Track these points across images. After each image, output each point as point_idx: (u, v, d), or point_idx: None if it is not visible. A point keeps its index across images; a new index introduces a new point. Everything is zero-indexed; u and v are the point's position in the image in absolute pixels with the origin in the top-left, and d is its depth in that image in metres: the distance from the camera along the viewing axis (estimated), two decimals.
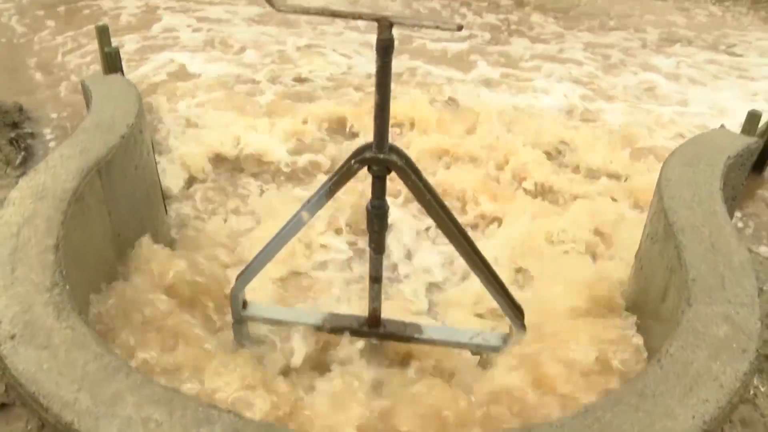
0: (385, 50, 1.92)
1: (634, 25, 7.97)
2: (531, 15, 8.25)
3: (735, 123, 3.51)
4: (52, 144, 4.44)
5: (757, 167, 4.35)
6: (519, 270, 3.46)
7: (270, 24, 6.88)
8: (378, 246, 2.41)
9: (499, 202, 3.94)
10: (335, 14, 1.97)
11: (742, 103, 5.33)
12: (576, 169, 4.30)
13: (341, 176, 2.21)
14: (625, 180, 4.13)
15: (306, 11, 1.92)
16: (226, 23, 6.97)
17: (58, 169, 2.44)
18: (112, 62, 3.60)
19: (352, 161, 2.16)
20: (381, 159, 2.11)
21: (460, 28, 1.82)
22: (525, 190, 4.11)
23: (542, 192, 4.06)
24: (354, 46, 6.43)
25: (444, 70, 5.91)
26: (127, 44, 6.14)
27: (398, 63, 5.69)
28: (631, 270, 2.92)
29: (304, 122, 4.70)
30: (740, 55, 6.82)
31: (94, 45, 6.09)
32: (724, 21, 8.65)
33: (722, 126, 3.32)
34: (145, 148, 2.94)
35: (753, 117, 3.65)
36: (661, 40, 7.34)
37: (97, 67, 5.70)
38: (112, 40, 3.77)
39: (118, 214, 2.67)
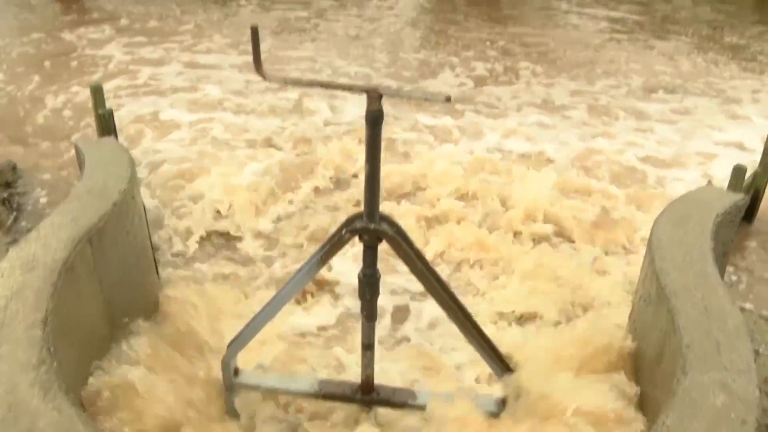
0: (374, 121, 1.94)
1: (622, 72, 8.18)
2: (519, 62, 8.46)
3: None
4: (43, 200, 4.44)
5: (746, 218, 4.39)
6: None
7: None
8: (370, 314, 2.40)
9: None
10: (325, 86, 2.01)
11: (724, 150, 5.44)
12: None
13: (333, 246, 2.21)
14: None
15: (296, 83, 1.95)
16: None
17: (49, 238, 2.44)
18: (105, 124, 3.65)
19: (344, 231, 2.16)
20: (372, 229, 2.12)
21: (448, 99, 1.85)
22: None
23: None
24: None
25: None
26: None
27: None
28: (625, 330, 2.91)
29: None
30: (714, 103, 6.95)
31: (84, 95, 6.25)
32: (708, 70, 8.87)
33: (709, 183, 3.37)
34: (136, 212, 2.94)
35: (738, 171, 3.70)
36: (645, 88, 7.50)
37: (84, 112, 5.81)
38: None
39: (109, 281, 2.65)
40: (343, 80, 7.36)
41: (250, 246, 4.11)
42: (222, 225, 4.22)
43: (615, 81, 7.91)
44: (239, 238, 4.17)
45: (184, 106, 6.25)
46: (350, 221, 2.18)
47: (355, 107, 6.14)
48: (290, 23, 10.72)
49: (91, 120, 5.63)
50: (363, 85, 1.87)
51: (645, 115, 6.56)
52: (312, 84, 1.97)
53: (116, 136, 3.56)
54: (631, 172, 4.95)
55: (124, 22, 10.35)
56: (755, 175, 4.19)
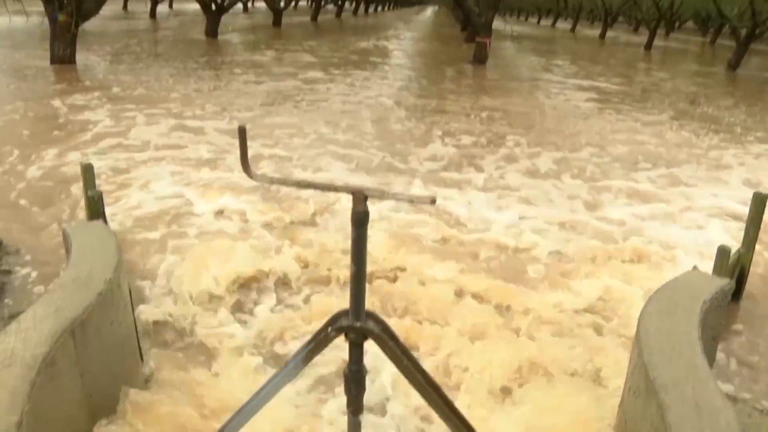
0: (360, 222, 1.95)
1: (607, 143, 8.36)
2: (506, 135, 8.64)
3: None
4: (32, 274, 4.38)
5: (733, 297, 4.41)
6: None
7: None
8: (356, 408, 2.34)
9: None
10: (311, 186, 2.03)
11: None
12: None
13: (317, 344, 2.18)
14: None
15: (282, 183, 1.98)
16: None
17: (30, 332, 2.39)
18: (94, 206, 3.65)
19: (329, 329, 2.14)
20: (358, 327, 2.10)
21: (433, 201, 1.86)
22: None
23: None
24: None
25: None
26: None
27: None
28: (615, 420, 2.87)
29: None
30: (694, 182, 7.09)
31: (70, 161, 6.30)
32: (689, 140, 9.11)
33: (695, 267, 3.39)
34: (122, 300, 2.92)
35: (723, 253, 3.73)
36: (629, 160, 7.65)
37: (70, 180, 5.83)
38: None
39: (91, 374, 2.59)
40: (331, 147, 7.50)
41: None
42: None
43: (600, 152, 8.08)
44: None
45: (169, 174, 6.29)
46: (335, 319, 2.16)
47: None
48: (281, 93, 11.00)
49: (76, 188, 5.69)
50: (348, 186, 1.89)
51: (631, 187, 6.67)
52: (298, 184, 1.99)
53: (105, 219, 3.57)
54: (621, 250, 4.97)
55: (115, 90, 10.59)
56: (739, 255, 4.23)
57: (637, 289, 4.16)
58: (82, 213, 4.98)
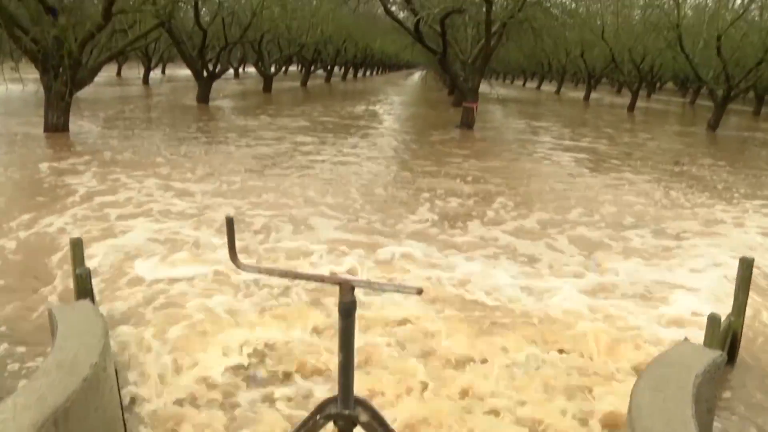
0: (347, 312, 1.96)
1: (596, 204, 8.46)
2: (493, 197, 8.73)
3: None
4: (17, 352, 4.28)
5: (729, 361, 4.38)
6: None
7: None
8: None
9: None
10: (298, 277, 2.05)
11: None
12: None
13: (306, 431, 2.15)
14: None
15: (270, 273, 1.99)
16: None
17: (9, 423, 2.33)
18: (82, 284, 3.63)
19: (317, 417, 2.11)
20: (347, 415, 2.08)
21: (419, 292, 1.88)
22: None
23: None
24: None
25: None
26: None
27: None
28: None
29: None
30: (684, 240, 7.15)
31: (56, 225, 6.27)
32: (675, 199, 9.23)
33: (686, 339, 3.39)
34: (108, 385, 2.86)
35: (713, 321, 3.73)
36: (618, 221, 7.72)
37: (55, 247, 5.78)
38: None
39: None
40: (320, 208, 7.53)
41: None
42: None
43: (589, 213, 8.16)
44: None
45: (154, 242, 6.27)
46: (324, 405, 2.14)
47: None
48: (271, 157, 11.13)
49: (59, 257, 5.66)
50: (336, 277, 1.92)
51: (622, 249, 6.71)
52: (286, 275, 2.01)
53: (93, 297, 3.54)
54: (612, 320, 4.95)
55: (106, 156, 10.72)
56: (730, 322, 4.24)
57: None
58: (62, 285, 4.96)
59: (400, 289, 1.99)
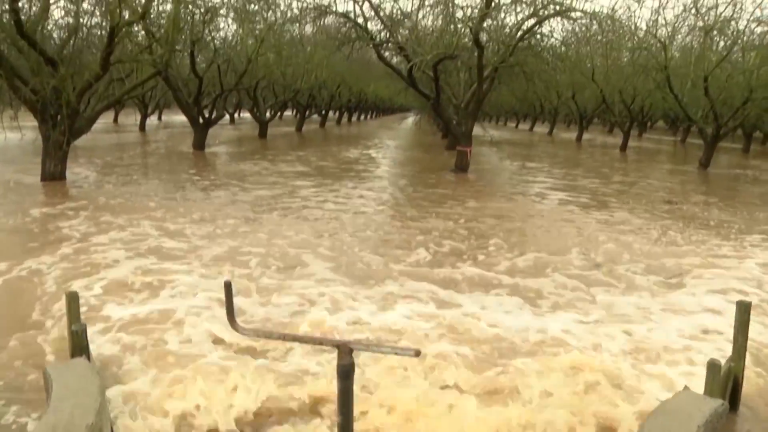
0: (345, 374, 1.97)
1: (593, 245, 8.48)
2: (488, 240, 8.75)
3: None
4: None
5: (732, 407, 4.34)
6: None
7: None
8: None
9: None
10: (297, 339, 2.05)
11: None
12: None
13: None
14: None
15: (267, 336, 2.00)
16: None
17: None
18: (78, 341, 3.60)
19: None
20: None
21: (417, 354, 1.89)
22: None
23: None
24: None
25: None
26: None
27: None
28: None
29: None
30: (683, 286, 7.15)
31: (44, 268, 6.23)
32: (672, 238, 9.27)
33: (686, 387, 3.37)
34: None
35: (713, 367, 3.71)
36: (617, 262, 7.73)
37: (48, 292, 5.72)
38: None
39: None
40: (317, 250, 7.52)
41: None
42: None
43: (586, 256, 8.17)
44: None
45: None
46: None
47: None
48: (267, 202, 11.17)
49: (51, 302, 5.62)
50: (334, 339, 1.93)
51: (622, 292, 6.71)
52: (284, 338, 2.01)
53: (89, 354, 3.50)
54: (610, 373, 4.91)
55: (102, 203, 10.77)
56: (730, 367, 4.21)
57: None
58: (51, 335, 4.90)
59: (398, 351, 2.00)
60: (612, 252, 8.42)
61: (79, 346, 3.49)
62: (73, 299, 3.95)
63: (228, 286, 1.96)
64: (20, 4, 11.23)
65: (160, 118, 46.06)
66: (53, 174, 13.11)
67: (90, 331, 4.15)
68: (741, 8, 19.69)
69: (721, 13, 19.48)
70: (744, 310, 4.11)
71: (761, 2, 19.35)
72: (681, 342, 5.31)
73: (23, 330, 5.05)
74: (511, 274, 7.21)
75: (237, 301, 6.18)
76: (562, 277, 7.11)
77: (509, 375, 4.47)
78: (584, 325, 5.62)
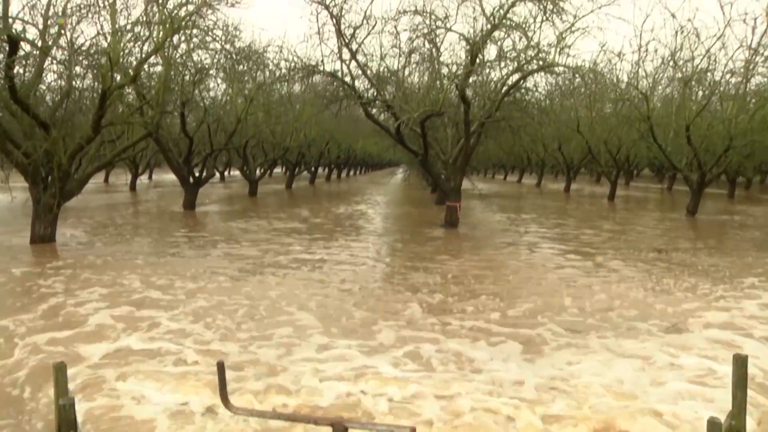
0: None
1: (587, 298, 8.45)
2: (479, 297, 8.72)
3: None
4: None
5: None
6: None
7: None
8: None
9: None
10: (291, 418, 2.01)
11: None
12: None
13: None
14: None
15: (261, 415, 1.96)
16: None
17: None
18: (65, 415, 3.49)
19: None
20: None
21: (413, 431, 1.86)
22: None
23: None
24: None
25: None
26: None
27: None
28: None
29: None
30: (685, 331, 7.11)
31: (32, 328, 6.10)
32: (668, 288, 9.25)
33: None
34: None
35: (714, 426, 3.65)
36: (618, 315, 7.70)
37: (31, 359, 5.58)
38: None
39: None
40: (307, 304, 7.44)
41: None
42: None
43: (578, 303, 8.14)
44: None
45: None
46: None
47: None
48: (257, 261, 11.10)
49: (34, 368, 5.49)
50: (329, 417, 1.89)
51: (624, 347, 6.66)
52: (279, 417, 1.97)
53: (77, 429, 3.40)
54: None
55: (90, 258, 10.69)
56: (731, 424, 4.15)
57: None
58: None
59: (394, 429, 1.96)
60: (603, 300, 8.40)
61: (66, 420, 3.39)
62: (60, 371, 3.85)
63: (221, 367, 1.94)
64: (14, 70, 11.40)
65: (150, 177, 46.27)
66: (43, 237, 13.05)
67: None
68: (715, 60, 20.31)
69: (697, 65, 20.09)
70: (741, 364, 4.07)
71: (732, 55, 19.94)
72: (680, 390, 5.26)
73: None
74: (500, 323, 7.18)
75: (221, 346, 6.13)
76: (555, 327, 7.07)
77: None
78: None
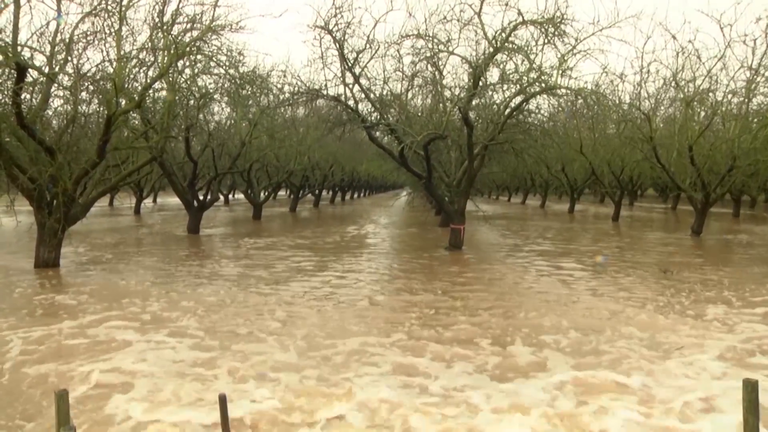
0: None
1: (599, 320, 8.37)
2: (482, 324, 8.65)
3: None
4: None
5: None
6: None
7: None
8: None
9: None
10: None
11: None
12: None
13: None
14: None
15: None
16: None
17: None
18: None
19: None
20: None
21: None
22: None
23: None
24: None
25: None
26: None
27: None
28: None
29: None
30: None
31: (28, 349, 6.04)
32: (676, 308, 9.17)
33: None
34: None
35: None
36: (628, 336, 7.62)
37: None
38: None
39: None
40: (311, 330, 7.39)
41: None
42: None
43: (590, 332, 8.05)
44: None
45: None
46: None
47: None
48: (260, 279, 11.05)
49: (38, 393, 5.44)
50: None
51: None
52: None
53: None
54: None
55: (92, 287, 10.67)
56: None
57: None
58: None
59: None
60: (611, 323, 8.33)
61: None
62: (62, 399, 3.83)
63: (222, 401, 1.91)
64: (22, 96, 11.52)
65: (155, 200, 46.42)
66: (47, 261, 13.06)
67: None
68: (717, 81, 20.39)
69: (699, 86, 20.16)
70: (752, 389, 4.02)
71: (733, 75, 20.01)
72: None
73: None
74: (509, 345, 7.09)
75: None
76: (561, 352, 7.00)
77: None
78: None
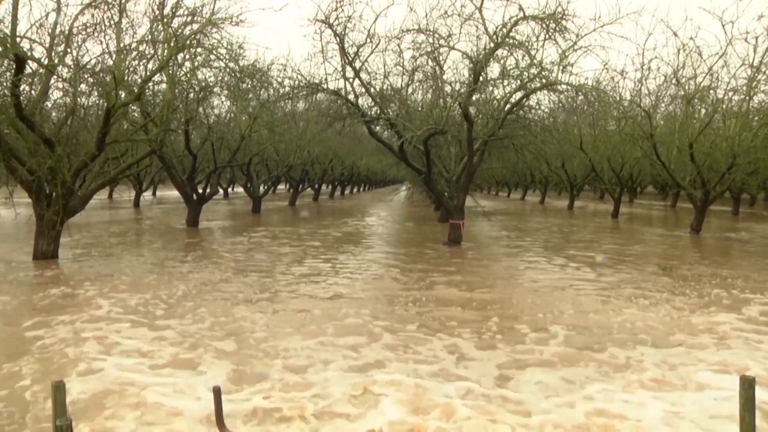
0: None
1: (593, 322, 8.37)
2: (488, 320, 8.64)
3: None
4: None
5: None
6: None
7: None
8: None
9: None
10: None
11: None
12: None
13: None
14: None
15: None
16: None
17: None
18: None
19: None
20: None
21: None
22: None
23: None
24: None
25: None
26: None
27: None
28: None
29: None
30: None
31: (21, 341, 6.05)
32: (679, 307, 9.17)
33: None
34: None
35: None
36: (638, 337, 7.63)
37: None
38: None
39: None
40: (308, 326, 7.38)
41: None
42: None
43: (588, 327, 8.05)
44: None
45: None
46: None
47: None
48: (255, 273, 11.05)
49: (35, 391, 5.44)
50: None
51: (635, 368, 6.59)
52: None
53: None
54: None
55: (92, 283, 10.66)
56: None
57: None
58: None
59: None
60: (615, 320, 8.33)
61: None
62: (58, 390, 3.81)
63: (217, 392, 1.90)
64: (20, 88, 11.49)
65: (154, 193, 46.43)
66: (45, 253, 13.06)
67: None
68: (718, 78, 20.35)
69: (700, 83, 20.12)
70: (748, 386, 4.01)
71: (734, 73, 19.98)
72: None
73: None
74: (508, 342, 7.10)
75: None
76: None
77: None
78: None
